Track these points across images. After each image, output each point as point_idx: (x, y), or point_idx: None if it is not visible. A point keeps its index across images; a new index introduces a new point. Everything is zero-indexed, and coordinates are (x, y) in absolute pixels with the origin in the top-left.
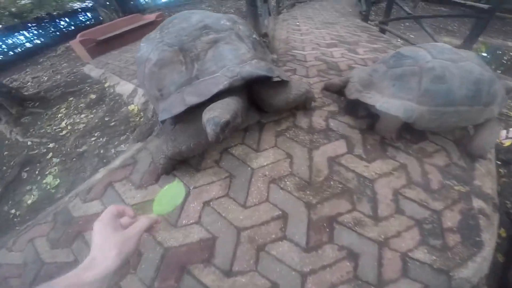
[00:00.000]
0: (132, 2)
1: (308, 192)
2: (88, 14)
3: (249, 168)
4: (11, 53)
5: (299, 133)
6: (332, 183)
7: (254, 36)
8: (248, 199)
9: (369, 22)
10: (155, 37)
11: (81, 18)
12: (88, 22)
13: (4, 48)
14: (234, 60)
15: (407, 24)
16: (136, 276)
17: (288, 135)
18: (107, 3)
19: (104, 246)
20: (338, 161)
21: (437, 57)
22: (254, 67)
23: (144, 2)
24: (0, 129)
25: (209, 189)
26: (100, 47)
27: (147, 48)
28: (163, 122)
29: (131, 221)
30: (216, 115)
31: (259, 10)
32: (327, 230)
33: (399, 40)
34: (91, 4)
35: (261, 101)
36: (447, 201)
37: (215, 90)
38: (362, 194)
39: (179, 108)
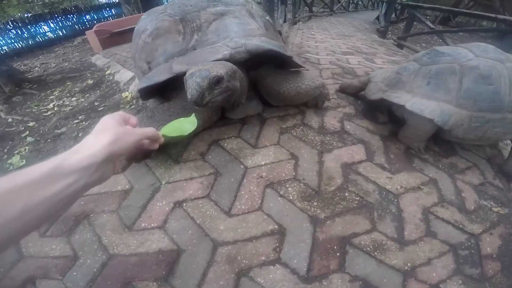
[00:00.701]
0: (155, 2)
1: (315, 204)
2: (112, 10)
3: (242, 166)
4: (31, 41)
5: (308, 132)
6: (347, 194)
7: (267, 17)
8: (235, 204)
9: (386, 39)
10: (158, 9)
11: (105, 13)
12: (110, 18)
13: (26, 36)
14: (240, 33)
15: (424, 44)
16: (63, 284)
17: (294, 133)
18: (132, 0)
19: (102, 132)
20: (355, 168)
21: (480, 55)
22: (263, 41)
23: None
24: None
25: (185, 187)
26: (112, 39)
27: (146, 20)
28: (143, 98)
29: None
30: (206, 68)
31: (276, 7)
32: (337, 254)
33: None
34: (116, 1)
35: (266, 90)
36: (485, 224)
37: (211, 59)
38: (385, 211)
39: (163, 76)
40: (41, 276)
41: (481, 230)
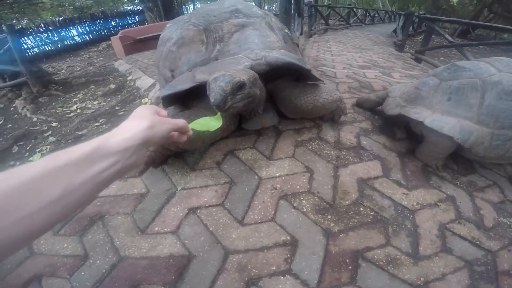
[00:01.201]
0: (176, 11)
1: (329, 217)
2: (136, 17)
3: (256, 177)
4: (60, 44)
5: (324, 146)
6: (361, 209)
7: (286, 30)
8: (248, 214)
9: (403, 52)
10: (183, 18)
11: (129, 20)
12: (134, 25)
13: (56, 39)
14: (260, 45)
15: (442, 58)
16: (69, 284)
17: (310, 147)
18: (155, 8)
19: (138, 118)
20: (371, 184)
21: (503, 70)
22: (282, 54)
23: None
24: (16, 104)
25: (200, 194)
26: (135, 46)
27: (172, 28)
28: (165, 105)
29: None
30: (229, 73)
31: (292, 20)
32: (350, 267)
33: None
34: (140, 8)
35: (283, 102)
36: (503, 241)
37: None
38: (400, 226)
39: (186, 85)
40: (49, 274)
41: (498, 247)
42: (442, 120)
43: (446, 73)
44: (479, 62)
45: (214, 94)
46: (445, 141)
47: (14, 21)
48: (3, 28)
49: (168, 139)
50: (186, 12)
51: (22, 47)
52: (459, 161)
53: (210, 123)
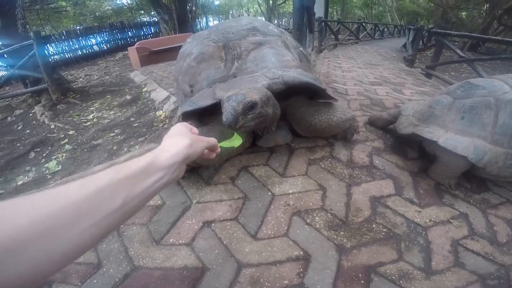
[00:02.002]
0: (189, 24)
1: (342, 233)
2: (151, 28)
3: (269, 193)
4: (79, 52)
5: (337, 165)
6: (374, 226)
7: (300, 49)
8: (262, 229)
9: (413, 68)
10: (203, 34)
11: (144, 31)
12: (149, 36)
13: (76, 47)
14: (277, 64)
15: (453, 73)
16: None
17: (322, 165)
18: (170, 20)
19: (179, 135)
20: (384, 202)
21: None
22: (299, 73)
23: (199, 28)
24: (35, 110)
25: (215, 208)
26: (151, 57)
27: (192, 44)
28: (184, 120)
29: None
30: (242, 92)
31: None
32: (362, 282)
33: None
34: (156, 19)
35: (297, 120)
36: None
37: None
38: (413, 242)
39: (206, 101)
40: (60, 280)
41: None
42: (456, 140)
43: (459, 91)
44: (492, 80)
45: (226, 113)
46: (458, 161)
47: (40, 28)
48: (30, 34)
49: (201, 156)
50: (198, 26)
51: (46, 54)
52: (472, 179)
53: (234, 141)
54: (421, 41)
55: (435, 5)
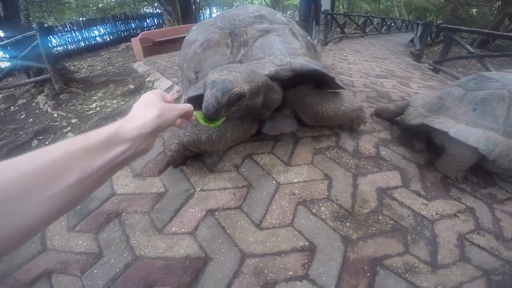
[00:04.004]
0: (193, 16)
1: (348, 224)
2: (155, 20)
3: (274, 182)
4: (82, 44)
5: (343, 155)
6: (381, 217)
7: (308, 38)
8: (266, 218)
9: (421, 63)
10: (208, 21)
11: (147, 22)
12: (152, 27)
13: (79, 39)
14: (284, 51)
15: (460, 69)
16: (80, 282)
17: (328, 155)
18: (173, 11)
19: (148, 106)
20: (390, 194)
21: None
22: (307, 61)
23: (203, 19)
24: (37, 99)
25: (218, 196)
26: (154, 48)
27: (197, 31)
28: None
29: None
30: (229, 78)
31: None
32: (368, 274)
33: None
34: (159, 11)
35: (303, 109)
36: None
37: None
38: (419, 235)
39: None
40: (60, 271)
41: None
42: (467, 131)
43: (471, 83)
44: (506, 73)
45: (207, 104)
46: (467, 153)
47: (43, 20)
48: (33, 26)
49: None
50: (202, 17)
51: (49, 45)
52: (479, 173)
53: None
54: (429, 37)
55: (445, 1)
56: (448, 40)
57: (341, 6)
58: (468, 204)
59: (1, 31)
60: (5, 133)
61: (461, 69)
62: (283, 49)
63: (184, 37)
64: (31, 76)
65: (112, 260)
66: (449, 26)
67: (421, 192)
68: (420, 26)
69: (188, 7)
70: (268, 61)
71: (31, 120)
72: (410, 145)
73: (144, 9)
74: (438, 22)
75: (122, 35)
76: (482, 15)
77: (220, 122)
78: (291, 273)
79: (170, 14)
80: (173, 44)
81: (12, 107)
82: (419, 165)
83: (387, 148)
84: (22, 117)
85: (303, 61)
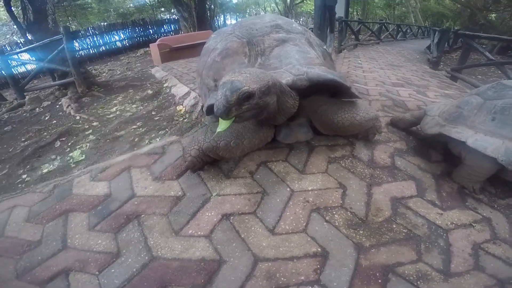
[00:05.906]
0: (208, 22)
1: (361, 232)
2: (171, 26)
3: (288, 189)
4: (103, 48)
5: (358, 164)
6: (394, 226)
7: (324, 47)
8: (280, 224)
9: (438, 70)
10: (227, 30)
11: (164, 28)
12: (169, 33)
13: (100, 44)
14: (301, 61)
15: (480, 77)
16: (97, 280)
17: (343, 164)
18: (189, 18)
19: None
20: (405, 203)
21: None
22: (323, 71)
23: (217, 26)
24: (61, 102)
25: (234, 201)
26: (171, 54)
27: (216, 39)
28: (209, 113)
29: None
30: (239, 79)
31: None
32: (379, 281)
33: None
34: (176, 17)
35: (319, 117)
36: None
37: None
38: (433, 244)
39: None
40: (78, 269)
41: None
42: (486, 141)
43: (490, 92)
44: None
45: (218, 103)
46: (486, 163)
47: (67, 24)
48: (59, 30)
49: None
50: (216, 23)
51: (74, 49)
52: (497, 184)
53: (220, 125)
54: (446, 43)
55: (462, 6)
56: (466, 47)
57: (355, 13)
58: (484, 214)
59: (30, 34)
60: (30, 134)
61: (480, 77)
62: (300, 58)
63: (201, 43)
64: (56, 79)
65: (130, 260)
66: (467, 32)
67: (436, 202)
68: (437, 32)
69: (203, 14)
70: (285, 70)
71: (54, 121)
72: (427, 155)
73: (162, 15)
74: (456, 28)
75: (141, 40)
76: (501, 21)
77: (228, 125)
78: (302, 277)
79: (186, 21)
80: (190, 50)
81: (37, 109)
82: (435, 175)
83: (402, 159)
84: (46, 118)
85: (320, 71)
